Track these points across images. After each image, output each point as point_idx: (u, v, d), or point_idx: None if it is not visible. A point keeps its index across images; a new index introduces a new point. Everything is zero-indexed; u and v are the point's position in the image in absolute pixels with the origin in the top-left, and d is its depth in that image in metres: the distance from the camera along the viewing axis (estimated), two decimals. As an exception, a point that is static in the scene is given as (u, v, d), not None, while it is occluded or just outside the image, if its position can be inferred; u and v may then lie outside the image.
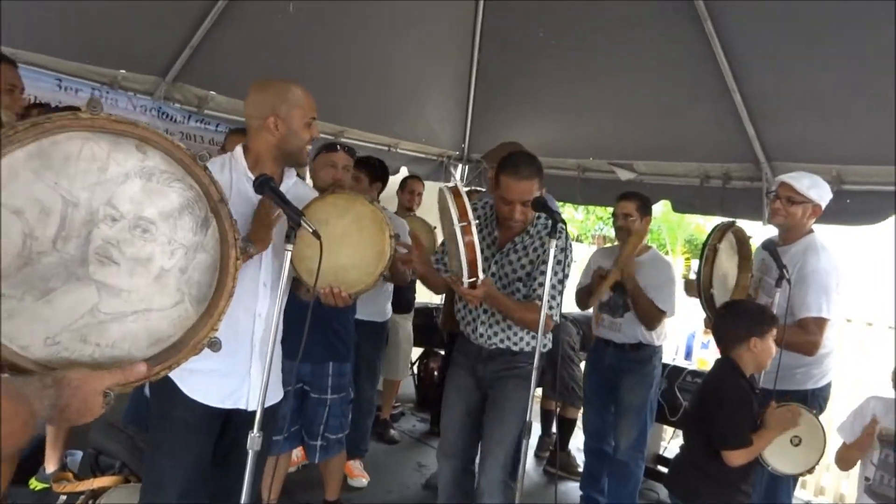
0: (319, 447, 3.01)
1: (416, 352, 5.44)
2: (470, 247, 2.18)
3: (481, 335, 2.70)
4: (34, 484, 3.18)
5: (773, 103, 3.93)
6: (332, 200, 2.26)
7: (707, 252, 2.79)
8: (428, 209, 4.69)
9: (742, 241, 2.98)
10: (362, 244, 2.19)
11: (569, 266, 2.57)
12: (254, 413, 1.99)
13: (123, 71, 3.96)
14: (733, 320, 2.50)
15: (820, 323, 2.81)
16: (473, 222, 2.20)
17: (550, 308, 2.43)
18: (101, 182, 1.12)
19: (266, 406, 2.02)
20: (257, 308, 2.06)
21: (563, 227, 2.34)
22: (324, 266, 1.86)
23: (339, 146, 3.03)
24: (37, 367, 1.05)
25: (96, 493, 2.74)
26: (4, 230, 1.02)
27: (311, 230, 1.81)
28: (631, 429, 3.48)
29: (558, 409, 4.40)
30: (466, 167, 6.08)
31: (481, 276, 2.26)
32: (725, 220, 3.05)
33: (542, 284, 2.48)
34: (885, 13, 3.10)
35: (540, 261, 2.59)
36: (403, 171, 5.41)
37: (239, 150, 2.07)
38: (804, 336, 2.78)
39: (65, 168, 1.08)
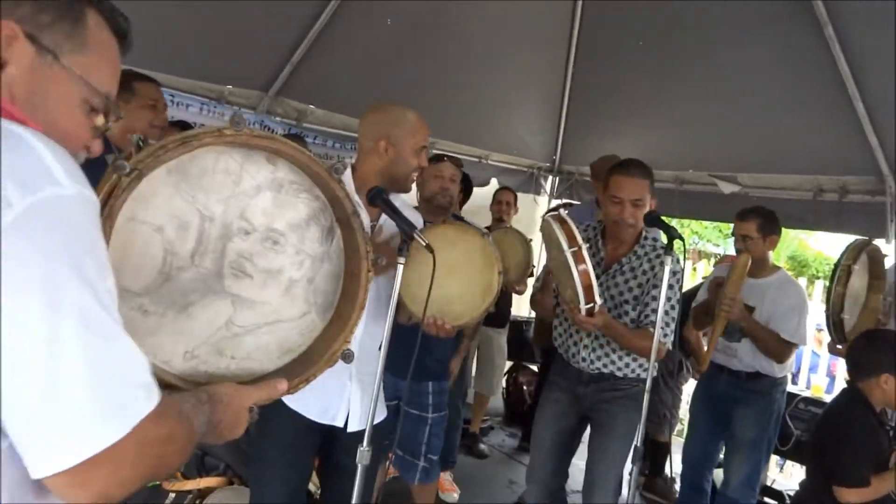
0: (422, 468, 2.94)
1: (506, 365, 5.37)
2: (584, 273, 2.15)
3: (584, 359, 2.61)
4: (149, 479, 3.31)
5: (900, 112, 3.64)
6: (441, 230, 2.23)
7: (840, 272, 2.59)
8: (520, 220, 4.64)
9: (876, 260, 2.76)
10: (470, 277, 2.14)
11: (681, 289, 2.45)
12: (354, 434, 2.00)
13: (230, 87, 4.12)
14: (869, 350, 2.30)
15: None
16: (584, 246, 2.15)
17: (665, 335, 2.34)
18: (234, 195, 1.13)
19: (360, 429, 2.02)
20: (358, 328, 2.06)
21: (682, 243, 2.22)
22: (432, 297, 1.83)
23: (446, 157, 3.03)
24: (179, 382, 1.06)
25: (203, 493, 2.82)
26: (147, 247, 1.04)
27: (424, 244, 1.78)
28: (743, 465, 3.16)
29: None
30: (557, 179, 5.98)
31: (598, 300, 2.20)
32: (859, 238, 2.81)
33: (654, 310, 2.40)
34: None
35: (650, 284, 2.50)
36: (493, 183, 5.38)
37: (348, 171, 2.06)
38: None
39: (201, 182, 1.09)
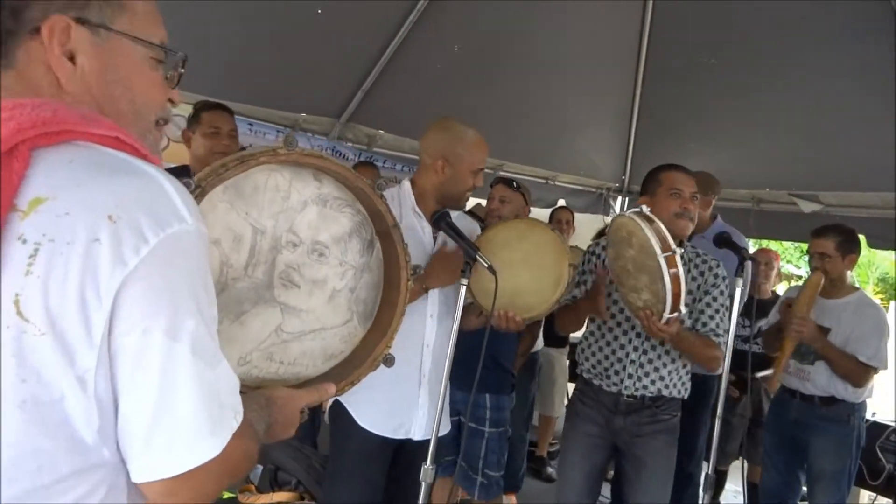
0: (480, 484, 2.95)
1: (571, 387, 5.28)
2: (675, 279, 2.04)
3: (630, 376, 2.46)
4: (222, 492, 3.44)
5: None
6: (512, 225, 2.33)
7: None
8: (579, 238, 4.61)
9: None
10: (541, 269, 2.18)
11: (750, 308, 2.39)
12: (422, 442, 2.03)
13: (304, 114, 4.29)
14: None
15: None
16: (678, 251, 2.06)
17: (724, 344, 2.29)
18: (284, 210, 1.20)
19: (426, 437, 2.06)
20: (425, 339, 2.11)
21: (753, 264, 2.16)
22: (500, 288, 1.87)
23: (501, 180, 3.13)
24: None
25: (275, 507, 2.92)
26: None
27: (486, 265, 1.82)
28: (827, 497, 3.00)
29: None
30: (626, 199, 5.88)
31: (683, 310, 2.11)
32: None
33: (711, 317, 2.40)
34: None
35: (702, 291, 2.43)
36: (561, 204, 5.36)
37: (407, 184, 2.15)
38: None
39: (253, 198, 1.16)
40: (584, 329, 2.71)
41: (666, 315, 2.09)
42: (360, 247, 1.31)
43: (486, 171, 5.02)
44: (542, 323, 3.51)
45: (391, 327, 1.32)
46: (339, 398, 2.03)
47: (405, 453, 2.11)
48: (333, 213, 1.26)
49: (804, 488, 3.25)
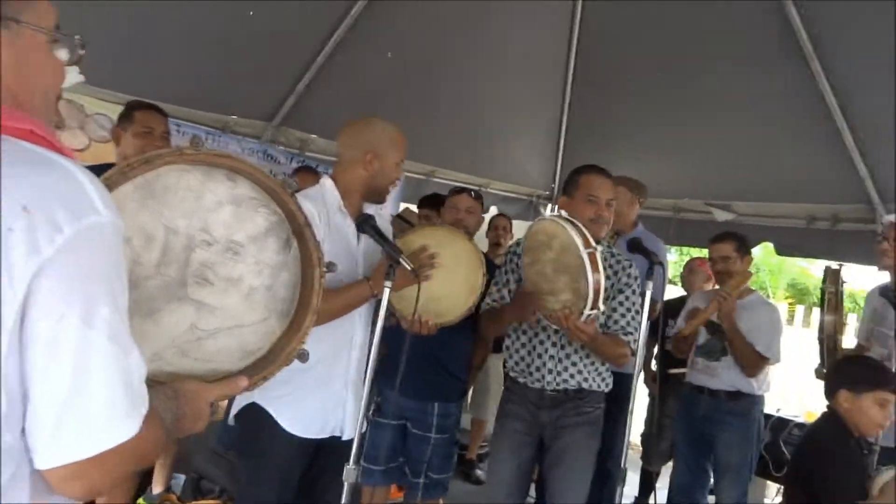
0: (422, 485, 2.96)
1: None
2: (597, 279, 2.12)
3: (549, 371, 2.53)
4: (142, 503, 3.36)
5: (888, 142, 3.71)
6: (431, 231, 2.40)
7: (828, 297, 2.65)
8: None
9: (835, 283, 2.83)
10: (457, 277, 2.26)
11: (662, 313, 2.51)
12: (346, 442, 2.05)
13: (234, 116, 4.25)
14: (835, 368, 2.37)
15: None
16: (598, 249, 2.14)
17: (634, 341, 2.40)
18: (197, 210, 1.23)
19: (352, 437, 2.07)
20: (354, 339, 2.13)
21: (663, 269, 2.28)
22: (410, 294, 1.92)
23: (463, 190, 3.12)
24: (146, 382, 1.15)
25: (199, 516, 2.88)
26: None
27: (409, 268, 1.87)
28: (733, 489, 3.22)
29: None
30: (556, 206, 6.05)
31: (602, 307, 2.18)
32: (829, 264, 2.89)
33: (622, 315, 2.49)
34: None
35: (615, 290, 2.51)
36: (493, 210, 5.46)
37: (329, 182, 2.12)
38: None
39: (165, 198, 1.19)
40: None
41: (586, 311, 2.14)
42: (277, 246, 1.34)
43: (419, 176, 5.14)
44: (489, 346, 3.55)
45: (305, 324, 1.35)
46: (258, 401, 2.00)
47: (327, 454, 2.11)
48: (248, 213, 1.29)
49: (711, 481, 3.45)
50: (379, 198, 2.18)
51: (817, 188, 4.21)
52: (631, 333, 2.42)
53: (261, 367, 1.30)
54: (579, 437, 2.52)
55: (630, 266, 2.54)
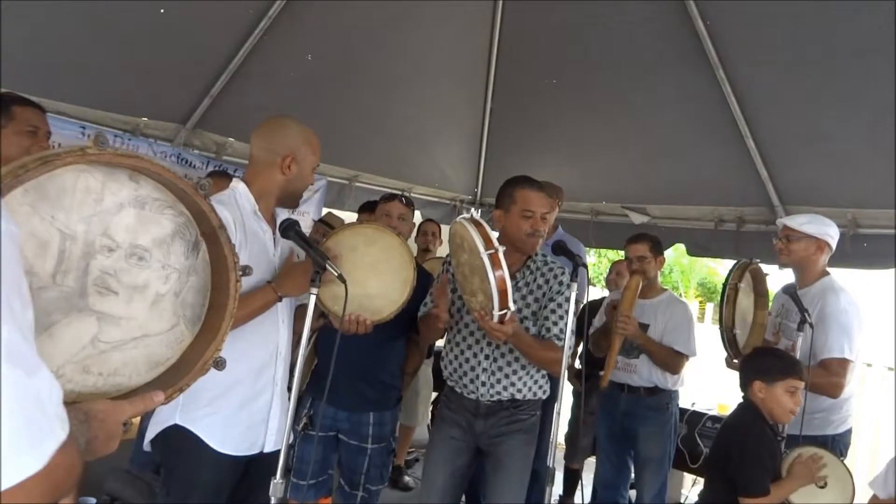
0: (360, 498, 2.89)
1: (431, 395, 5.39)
2: (501, 278, 2.11)
3: (483, 384, 2.54)
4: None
5: (786, 147, 3.96)
6: (360, 230, 2.38)
7: (728, 291, 2.78)
8: (447, 250, 4.72)
9: (758, 279, 2.98)
10: (389, 273, 2.24)
11: (576, 312, 2.52)
12: (270, 455, 1.99)
13: (145, 118, 4.06)
14: (746, 363, 2.50)
15: (843, 364, 2.81)
16: (500, 249, 2.13)
17: (567, 347, 2.38)
18: (97, 213, 1.14)
19: (276, 448, 2.01)
20: (279, 347, 2.06)
21: (587, 270, 2.32)
22: (350, 293, 1.88)
23: (395, 196, 3.08)
24: None
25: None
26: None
27: (336, 274, 1.83)
28: (654, 481, 3.35)
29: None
30: (479, 211, 6.11)
31: (512, 307, 2.18)
32: (742, 259, 3.04)
33: (555, 323, 2.48)
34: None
35: (547, 298, 2.52)
36: (417, 215, 5.45)
37: (243, 186, 2.02)
38: (827, 377, 2.77)
39: (60, 201, 1.09)
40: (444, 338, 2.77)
41: (495, 313, 2.15)
42: (184, 249, 1.27)
43: (341, 181, 5.06)
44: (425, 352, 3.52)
45: (221, 330, 1.28)
46: (181, 423, 1.87)
47: (255, 469, 2.03)
48: (153, 215, 1.22)
49: (632, 475, 3.57)
50: (293, 202, 2.12)
51: (724, 191, 4.43)
52: (564, 340, 2.40)
53: (172, 378, 1.22)
54: (515, 444, 2.53)
55: (563, 273, 2.54)
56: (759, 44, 3.66)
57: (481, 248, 2.11)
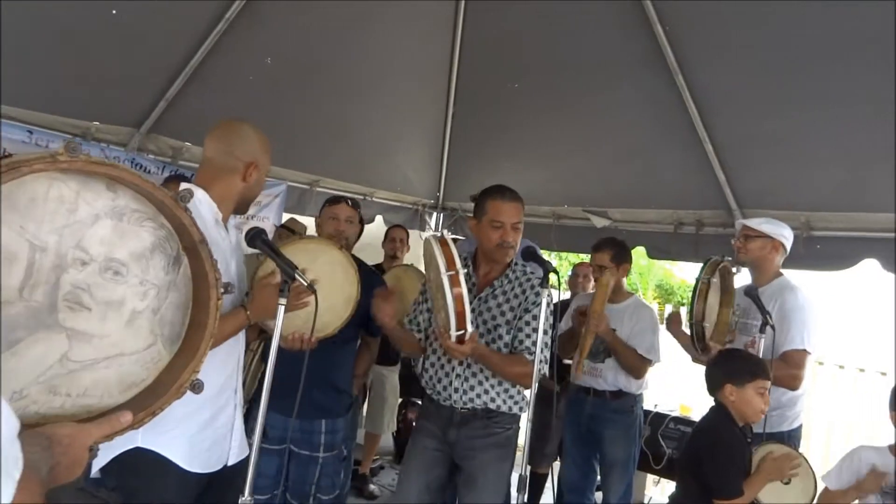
0: None
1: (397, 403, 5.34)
2: (458, 298, 2.12)
3: (456, 390, 2.52)
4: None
5: (742, 152, 4.05)
6: (302, 246, 2.34)
7: (700, 286, 2.83)
8: (414, 257, 4.69)
9: (726, 276, 3.04)
10: (333, 289, 2.22)
11: (553, 318, 2.48)
12: (232, 468, 1.95)
13: (97, 122, 3.91)
14: (714, 366, 2.53)
15: (802, 356, 2.92)
16: (462, 271, 2.13)
17: (541, 361, 2.33)
18: (69, 224, 1.07)
19: (237, 462, 1.98)
20: (240, 359, 2.02)
21: (558, 277, 2.31)
22: (294, 311, 1.85)
23: (342, 199, 3.01)
24: None
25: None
26: None
27: (305, 284, 1.78)
28: (619, 483, 3.39)
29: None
30: (441, 215, 6.10)
31: (470, 328, 2.18)
32: (715, 256, 3.08)
33: (528, 336, 2.46)
34: (850, 61, 3.26)
35: (522, 309, 2.51)
36: (378, 220, 5.42)
37: (202, 192, 1.88)
38: (787, 370, 2.86)
39: (31, 211, 1.03)
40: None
41: (452, 333, 2.15)
42: (165, 263, 1.20)
43: (302, 185, 4.99)
44: (379, 341, 3.49)
45: (200, 350, 1.22)
46: (144, 445, 1.76)
47: (217, 483, 1.95)
48: (132, 228, 1.15)
49: (598, 478, 3.59)
50: (245, 209, 2.05)
51: (683, 195, 4.51)
52: (535, 353, 2.34)
53: (146, 401, 1.15)
54: (488, 458, 2.50)
55: (539, 284, 2.50)
56: (716, 49, 3.73)
57: (442, 268, 2.12)
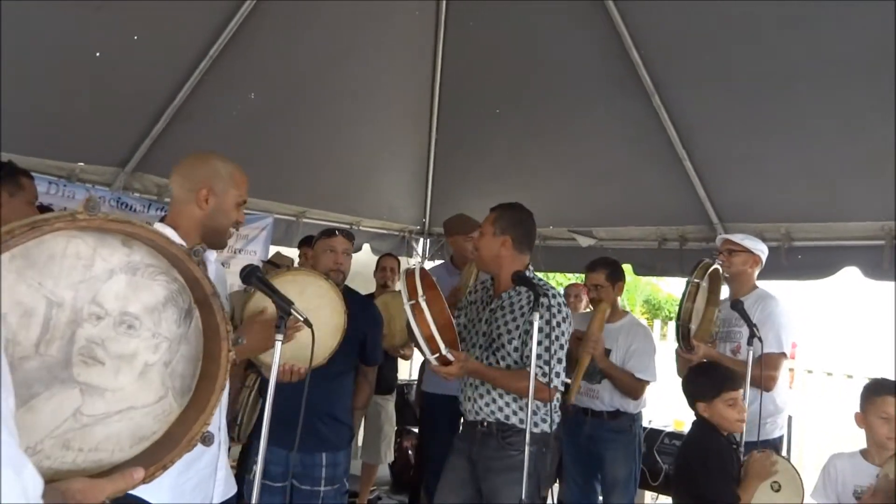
0: None
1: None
2: (423, 323, 2.19)
3: (468, 398, 2.59)
4: None
5: (721, 167, 4.14)
6: (290, 277, 2.40)
7: (690, 288, 2.88)
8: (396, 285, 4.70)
9: (715, 278, 3.09)
10: (321, 319, 2.23)
11: (562, 331, 2.52)
12: None
13: (82, 164, 3.92)
14: (685, 383, 2.60)
15: (778, 358, 3.07)
16: (422, 298, 2.20)
17: (544, 375, 2.38)
18: (85, 279, 1.08)
19: (224, 499, 1.98)
20: (222, 399, 1.98)
21: (551, 295, 2.35)
22: (284, 343, 1.85)
23: (337, 231, 3.02)
24: None
25: None
26: None
27: (301, 319, 1.80)
28: (620, 501, 3.39)
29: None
30: (428, 241, 6.14)
31: (443, 348, 2.23)
32: (706, 259, 3.14)
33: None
34: (819, 81, 3.38)
35: (528, 321, 2.48)
36: (366, 248, 5.44)
37: (170, 229, 1.86)
38: (763, 371, 2.95)
39: (49, 267, 1.04)
40: None
41: (430, 357, 2.24)
42: (177, 316, 1.21)
43: (289, 218, 5.00)
44: (376, 370, 3.49)
45: (210, 403, 1.22)
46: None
47: None
48: (145, 282, 1.16)
49: (600, 497, 3.60)
50: (219, 241, 1.99)
51: (666, 212, 4.58)
52: (540, 368, 2.35)
53: (156, 454, 1.15)
54: (499, 484, 2.49)
55: (553, 297, 2.54)
56: (690, 70, 3.84)
57: (405, 299, 2.23)
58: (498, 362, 2.56)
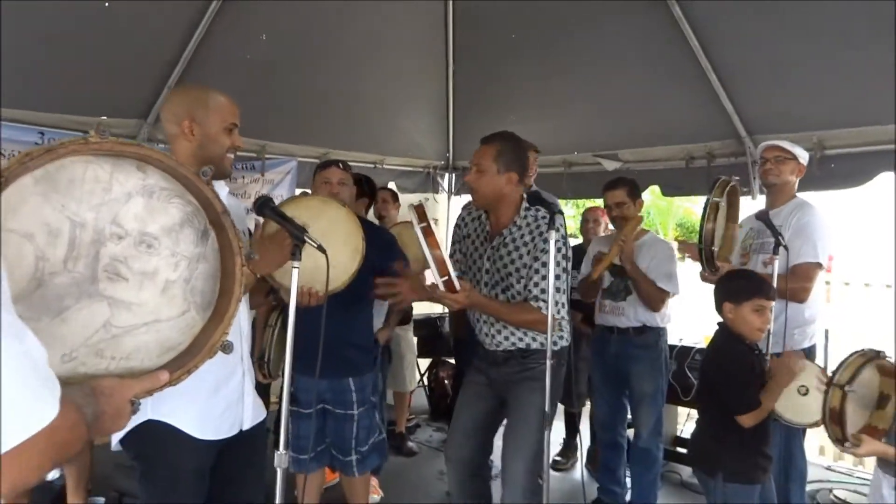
0: (356, 462, 2.94)
1: (424, 363, 5.45)
2: (434, 245, 2.18)
3: (486, 334, 2.65)
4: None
5: (748, 78, 4.00)
6: (305, 203, 2.41)
7: (709, 210, 2.83)
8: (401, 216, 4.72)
9: (734, 195, 3.01)
10: (338, 244, 2.27)
11: (567, 260, 2.53)
12: (247, 433, 2.01)
13: (104, 117, 3.99)
14: (718, 284, 2.56)
15: (812, 269, 2.99)
16: (432, 220, 2.23)
17: (555, 303, 2.38)
18: (105, 202, 1.16)
19: (254, 424, 2.05)
20: (241, 325, 2.02)
21: (562, 218, 2.33)
22: (303, 266, 1.87)
23: (332, 163, 3.03)
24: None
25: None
26: (17, 255, 1.06)
27: (315, 245, 1.84)
28: (649, 416, 3.44)
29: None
30: (453, 175, 6.12)
31: (452, 272, 2.23)
32: (723, 176, 3.07)
33: (536, 284, 2.47)
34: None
35: (532, 256, 2.50)
36: (392, 187, 5.45)
37: None
38: (796, 282, 2.93)
39: (70, 191, 1.12)
40: None
41: (438, 281, 2.23)
42: (194, 237, 1.29)
43: (313, 160, 5.04)
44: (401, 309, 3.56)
45: (228, 313, 1.31)
46: (154, 417, 1.83)
47: (235, 449, 2.01)
48: (161, 205, 1.24)
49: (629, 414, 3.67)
50: (220, 169, 1.96)
51: (692, 129, 4.47)
52: (545, 301, 2.36)
53: (181, 361, 1.25)
54: (521, 392, 2.57)
55: (547, 231, 2.45)
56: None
57: (415, 222, 2.23)
58: (508, 301, 2.57)
